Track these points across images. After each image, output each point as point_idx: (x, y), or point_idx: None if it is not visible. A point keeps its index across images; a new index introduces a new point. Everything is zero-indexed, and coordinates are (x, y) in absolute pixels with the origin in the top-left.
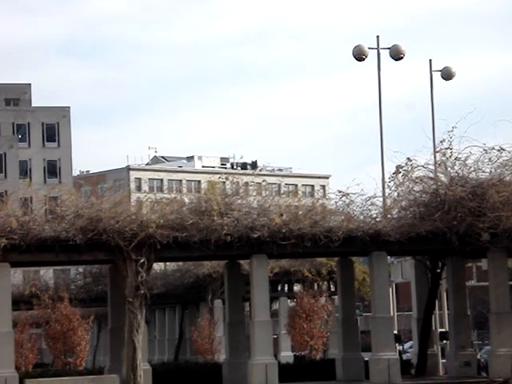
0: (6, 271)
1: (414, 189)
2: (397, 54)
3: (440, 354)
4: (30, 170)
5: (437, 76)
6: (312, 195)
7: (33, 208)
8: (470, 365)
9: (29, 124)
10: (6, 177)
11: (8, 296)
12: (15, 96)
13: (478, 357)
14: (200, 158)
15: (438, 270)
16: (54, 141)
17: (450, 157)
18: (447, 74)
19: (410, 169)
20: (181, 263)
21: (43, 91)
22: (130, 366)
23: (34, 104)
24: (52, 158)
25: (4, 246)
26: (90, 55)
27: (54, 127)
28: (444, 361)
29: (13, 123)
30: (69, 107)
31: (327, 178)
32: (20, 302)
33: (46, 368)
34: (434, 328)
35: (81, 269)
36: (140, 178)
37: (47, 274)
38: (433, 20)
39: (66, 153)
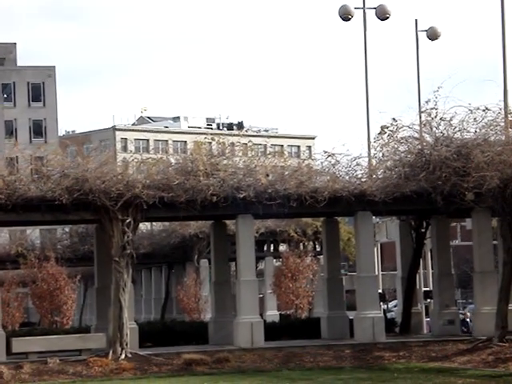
0: None
1: (399, 149)
2: (383, 14)
3: (424, 312)
4: (16, 129)
5: (422, 36)
6: (298, 156)
7: (19, 168)
8: (454, 323)
9: (14, 83)
10: None
11: None
12: (0, 55)
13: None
14: (186, 118)
15: (423, 230)
16: (40, 100)
17: (435, 117)
18: (433, 34)
19: (395, 129)
20: (167, 223)
21: (29, 51)
22: (116, 324)
23: (19, 63)
24: (37, 117)
25: None
26: (75, 15)
27: (40, 87)
28: (428, 319)
29: None
30: (54, 67)
31: (313, 138)
32: (6, 261)
33: (33, 327)
34: (418, 287)
35: (67, 228)
36: (126, 139)
37: (33, 233)
38: None
39: (52, 113)
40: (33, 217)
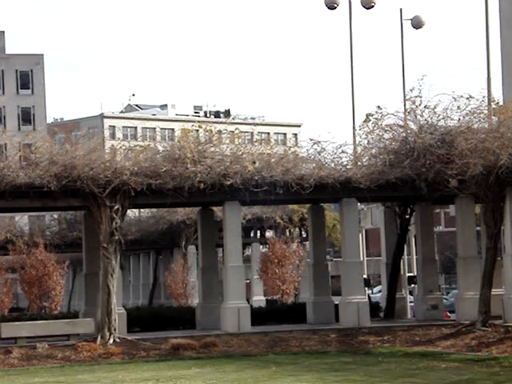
0: None
1: (384, 136)
2: (368, 3)
3: (408, 297)
4: (4, 117)
5: (407, 25)
6: (284, 143)
7: (7, 155)
8: (438, 308)
9: (2, 71)
10: None
11: None
12: None
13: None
14: (173, 106)
15: (407, 216)
16: (28, 88)
17: (420, 105)
18: (417, 23)
19: (380, 117)
20: (155, 210)
21: (17, 39)
22: (104, 310)
23: (7, 51)
24: (26, 105)
25: None
26: (63, 2)
27: (28, 74)
28: (412, 304)
29: None
30: (42, 55)
31: (299, 126)
32: None
33: (22, 312)
34: (402, 272)
35: (55, 215)
36: (114, 126)
37: (22, 220)
38: None
39: (40, 100)
40: (21, 203)
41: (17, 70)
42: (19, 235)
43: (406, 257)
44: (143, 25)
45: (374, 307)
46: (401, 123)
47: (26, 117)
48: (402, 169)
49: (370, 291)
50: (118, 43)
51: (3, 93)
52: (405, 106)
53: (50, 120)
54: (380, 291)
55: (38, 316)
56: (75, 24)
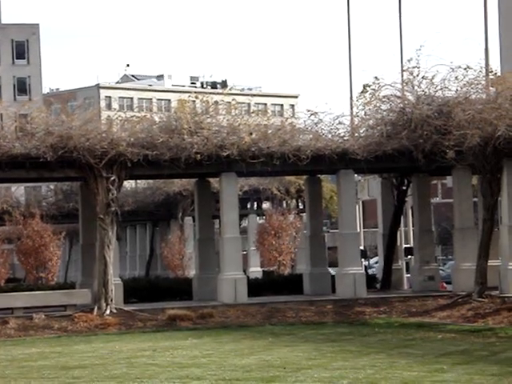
0: None
1: (381, 107)
2: None
3: (404, 268)
4: (0, 87)
5: None
6: (281, 114)
7: (3, 125)
8: (434, 279)
9: None
10: None
11: None
12: None
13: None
14: (170, 76)
15: (404, 188)
16: (24, 58)
17: (417, 75)
18: None
19: (377, 87)
20: (151, 181)
21: (13, 8)
22: (101, 280)
23: (3, 21)
24: (22, 75)
25: None
26: None
27: (24, 44)
28: (408, 275)
29: None
30: (38, 24)
31: (296, 97)
32: None
33: (19, 283)
34: (398, 244)
35: (52, 186)
36: (110, 97)
37: (18, 190)
38: None
39: (36, 70)
40: (17, 174)
41: (12, 40)
42: (15, 206)
43: (402, 228)
44: None
45: (370, 278)
46: (398, 94)
47: (22, 87)
48: (399, 140)
49: (367, 262)
50: (114, 13)
51: None
52: (402, 76)
53: (45, 90)
54: (377, 262)
55: (35, 287)
56: None
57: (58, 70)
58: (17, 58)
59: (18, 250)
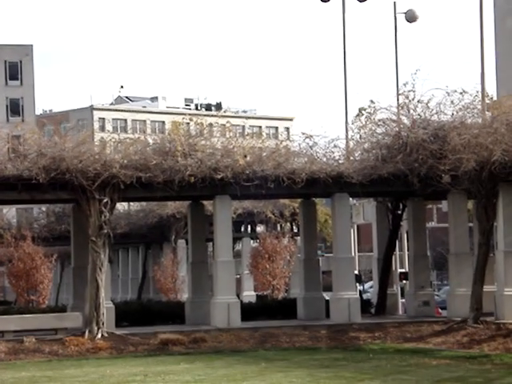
0: None
1: (377, 131)
2: None
3: (399, 293)
4: None
5: (401, 18)
6: (276, 137)
7: None
8: (429, 304)
9: None
10: None
11: None
12: None
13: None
14: (164, 98)
15: (399, 212)
16: (17, 79)
17: (413, 99)
18: (411, 17)
19: (372, 111)
20: (144, 203)
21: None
22: (92, 304)
23: None
24: (15, 96)
25: None
26: None
27: (17, 65)
28: (403, 300)
29: None
30: (32, 45)
31: (291, 120)
32: None
33: (9, 306)
34: (394, 268)
35: (44, 208)
36: (104, 118)
37: (10, 212)
38: None
39: (29, 91)
40: (9, 196)
41: (6, 61)
42: (7, 228)
43: (397, 253)
44: (134, 16)
45: (365, 303)
46: (394, 118)
47: (15, 108)
48: (394, 164)
49: (362, 287)
50: (108, 35)
51: None
52: (398, 100)
53: (38, 111)
54: (371, 287)
55: (26, 309)
56: (65, 15)
57: (52, 92)
58: (10, 79)
59: (9, 273)
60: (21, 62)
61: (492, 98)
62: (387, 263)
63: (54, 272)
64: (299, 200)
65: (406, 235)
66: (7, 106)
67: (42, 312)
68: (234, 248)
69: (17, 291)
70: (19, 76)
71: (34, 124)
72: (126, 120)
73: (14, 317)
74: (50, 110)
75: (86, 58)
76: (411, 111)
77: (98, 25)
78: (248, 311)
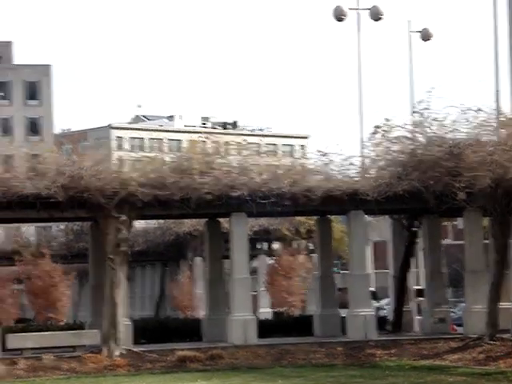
0: None
1: (392, 149)
2: (376, 15)
3: (415, 310)
4: (12, 127)
5: (415, 37)
6: (291, 155)
7: (14, 165)
8: (445, 321)
9: (10, 82)
10: None
11: None
12: None
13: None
14: (181, 117)
15: (415, 229)
16: (36, 98)
17: (428, 117)
18: (426, 35)
19: (388, 129)
20: (161, 221)
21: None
22: (110, 321)
23: (16, 62)
24: (33, 115)
25: None
26: (71, 14)
27: (36, 85)
28: (419, 317)
29: None
30: (50, 65)
31: (306, 137)
32: (2, 258)
33: (28, 323)
34: (409, 285)
35: (62, 226)
36: (121, 137)
37: (29, 230)
38: None
39: (48, 111)
40: (28, 214)
41: (25, 81)
42: (26, 246)
43: (413, 269)
44: (151, 36)
45: (381, 320)
46: (409, 135)
47: (34, 127)
48: (409, 181)
49: (378, 304)
50: (125, 54)
51: (11, 103)
52: (413, 118)
53: (57, 130)
54: (387, 304)
55: (44, 327)
56: (83, 35)
57: (70, 111)
58: (29, 99)
59: (28, 290)
60: (39, 81)
61: (507, 116)
62: (403, 280)
63: (72, 289)
64: (315, 217)
65: (421, 252)
66: (26, 126)
67: (61, 329)
68: (250, 265)
69: (35, 309)
70: (38, 95)
71: (52, 143)
72: (143, 138)
73: (33, 334)
74: (69, 129)
75: (104, 78)
76: (426, 129)
77: (116, 45)
78: (264, 328)
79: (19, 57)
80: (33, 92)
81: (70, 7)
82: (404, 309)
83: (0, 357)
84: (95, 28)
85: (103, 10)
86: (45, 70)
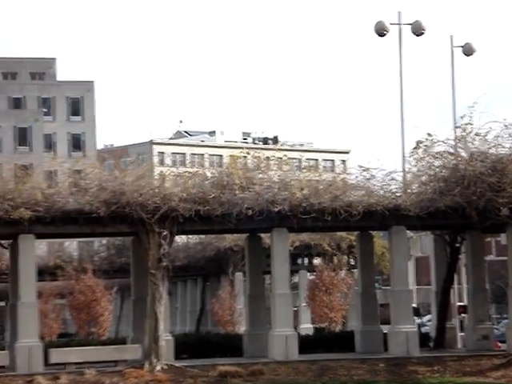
0: (31, 243)
1: (434, 164)
2: (418, 30)
3: (458, 327)
4: (55, 143)
5: (458, 52)
6: (332, 170)
7: (57, 181)
8: (488, 338)
9: (54, 98)
10: (31, 150)
11: (33, 267)
12: (41, 70)
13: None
14: (222, 132)
15: (457, 245)
16: (79, 114)
17: (470, 132)
18: (468, 50)
19: (430, 144)
20: (202, 236)
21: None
22: (152, 336)
23: (59, 78)
24: (76, 131)
25: (29, 218)
26: (112, 31)
27: (79, 101)
28: (462, 334)
29: (38, 97)
30: (93, 82)
31: (347, 152)
32: (45, 272)
33: (70, 338)
34: (452, 301)
35: (104, 241)
36: (163, 152)
37: (71, 245)
38: None
39: (90, 126)
40: (71, 229)
41: (67, 97)
42: (68, 261)
43: (456, 286)
44: (192, 52)
45: (423, 336)
46: (451, 151)
47: (77, 143)
48: (452, 197)
49: (420, 320)
50: (167, 70)
51: (54, 119)
52: (455, 133)
53: (99, 146)
54: (430, 320)
55: (87, 342)
56: (125, 51)
57: (112, 126)
58: (72, 115)
59: (71, 305)
60: (82, 97)
61: None
62: (445, 296)
63: (113, 304)
64: (356, 233)
65: (464, 268)
66: (69, 141)
67: (103, 344)
68: (291, 280)
69: (78, 323)
70: (81, 112)
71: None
72: (184, 154)
73: (75, 349)
74: (111, 145)
75: (146, 94)
76: (469, 144)
77: (158, 60)
78: (305, 344)
79: (62, 73)
80: (76, 108)
81: (113, 24)
82: (447, 325)
83: (43, 371)
84: (138, 45)
85: (145, 26)
86: (88, 86)
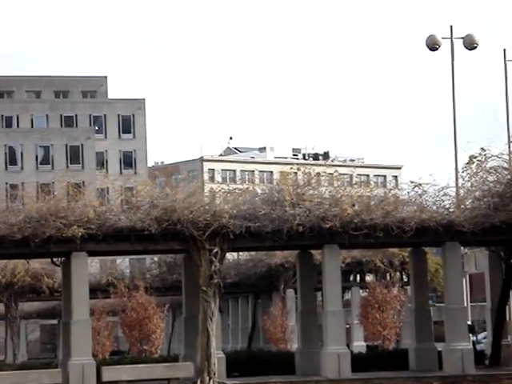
0: (83, 260)
1: (488, 179)
2: (470, 44)
3: None
4: (107, 161)
5: (511, 65)
6: (384, 186)
7: (109, 198)
8: None
9: (105, 116)
10: (83, 167)
11: (85, 285)
12: (92, 88)
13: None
14: (272, 148)
15: None
16: (130, 132)
17: None
18: None
19: (483, 159)
20: (253, 253)
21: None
22: (204, 353)
23: (110, 96)
24: (127, 149)
25: (81, 236)
26: (163, 48)
27: (130, 119)
28: None
29: (90, 115)
30: (144, 99)
31: (399, 168)
32: (97, 290)
33: (123, 355)
34: (508, 318)
35: (156, 258)
36: (213, 169)
37: (123, 263)
38: (508, 9)
39: (141, 144)
40: (123, 247)
41: (119, 115)
42: (120, 278)
43: (511, 302)
44: (243, 70)
45: (478, 354)
46: (505, 165)
47: (128, 160)
48: (507, 212)
49: (475, 338)
50: (216, 87)
51: (105, 137)
52: (509, 147)
53: (150, 163)
54: (485, 338)
55: (139, 359)
56: (175, 68)
57: (163, 144)
58: (123, 133)
59: (123, 323)
60: (133, 115)
61: None
62: (501, 313)
63: (165, 322)
64: (409, 249)
65: None
66: (120, 159)
67: (155, 362)
68: (343, 297)
69: (130, 341)
70: (132, 129)
71: (146, 176)
72: (234, 171)
73: (127, 367)
74: (162, 162)
75: (196, 111)
76: None
77: (208, 77)
78: (358, 362)
79: (113, 91)
80: (127, 126)
81: (163, 42)
82: (503, 342)
83: None
84: (188, 62)
85: (196, 44)
86: (138, 104)
